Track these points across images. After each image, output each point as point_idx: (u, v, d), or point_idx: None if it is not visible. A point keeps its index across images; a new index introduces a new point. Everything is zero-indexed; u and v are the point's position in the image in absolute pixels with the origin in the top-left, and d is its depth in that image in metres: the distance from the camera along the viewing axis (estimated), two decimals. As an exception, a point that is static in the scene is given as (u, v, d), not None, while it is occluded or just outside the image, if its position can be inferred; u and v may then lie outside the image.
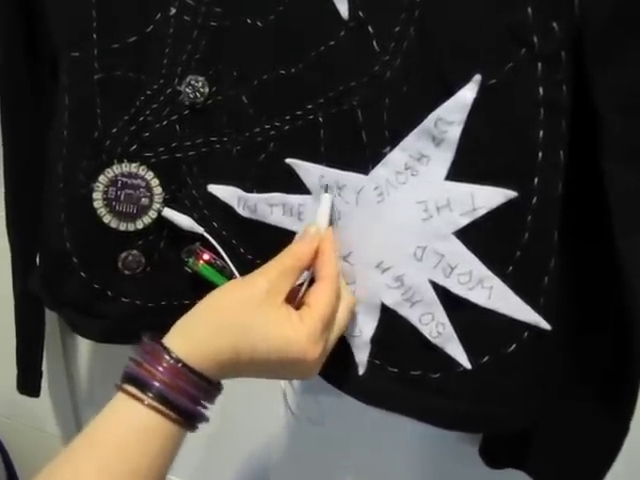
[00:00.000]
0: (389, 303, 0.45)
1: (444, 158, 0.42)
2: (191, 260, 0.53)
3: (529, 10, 0.38)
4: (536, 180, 0.40)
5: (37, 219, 0.56)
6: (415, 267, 0.44)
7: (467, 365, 0.44)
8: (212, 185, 0.52)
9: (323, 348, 0.42)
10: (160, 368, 0.39)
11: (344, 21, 0.44)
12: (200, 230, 0.52)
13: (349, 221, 0.47)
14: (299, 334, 0.41)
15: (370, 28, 0.43)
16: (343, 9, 0.44)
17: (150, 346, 0.41)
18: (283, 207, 0.50)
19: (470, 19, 0.39)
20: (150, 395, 0.39)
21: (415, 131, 0.42)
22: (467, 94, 0.40)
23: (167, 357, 0.40)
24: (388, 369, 0.47)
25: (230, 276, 0.53)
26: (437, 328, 0.44)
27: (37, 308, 0.66)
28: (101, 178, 0.51)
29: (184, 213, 0.52)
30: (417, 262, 0.44)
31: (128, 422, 0.39)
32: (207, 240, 0.52)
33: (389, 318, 0.46)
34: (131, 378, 0.40)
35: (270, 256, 0.48)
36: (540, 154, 0.39)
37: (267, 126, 0.48)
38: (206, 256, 0.53)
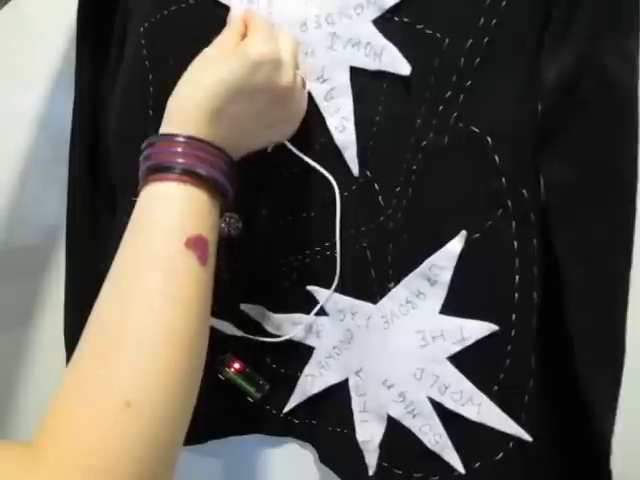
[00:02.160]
0: (394, 415, 0.56)
1: (438, 296, 0.53)
2: (224, 369, 0.64)
3: (503, 180, 0.50)
4: (514, 316, 0.51)
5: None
6: (415, 385, 0.54)
7: (461, 470, 0.54)
8: (243, 304, 0.63)
9: (276, 51, 0.49)
10: (176, 149, 0.45)
11: (355, 177, 0.56)
12: (240, 333, 0.63)
13: (360, 342, 0.58)
14: (246, 44, 0.48)
15: (376, 185, 0.55)
16: (354, 168, 0.56)
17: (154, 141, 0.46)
18: (304, 326, 0.61)
19: (456, 186, 0.51)
20: (177, 171, 0.44)
21: (414, 272, 0.54)
22: (455, 246, 0.52)
23: (167, 139, 0.45)
24: (394, 471, 0.57)
25: (257, 382, 0.64)
26: (435, 437, 0.54)
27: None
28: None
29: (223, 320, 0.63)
30: (417, 381, 0.54)
31: (168, 200, 0.44)
32: (237, 350, 0.64)
33: (395, 427, 0.56)
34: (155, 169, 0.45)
35: (291, 365, 0.60)
36: (516, 295, 0.50)
37: (291, 258, 0.60)
38: (236, 365, 0.64)
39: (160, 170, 0.44)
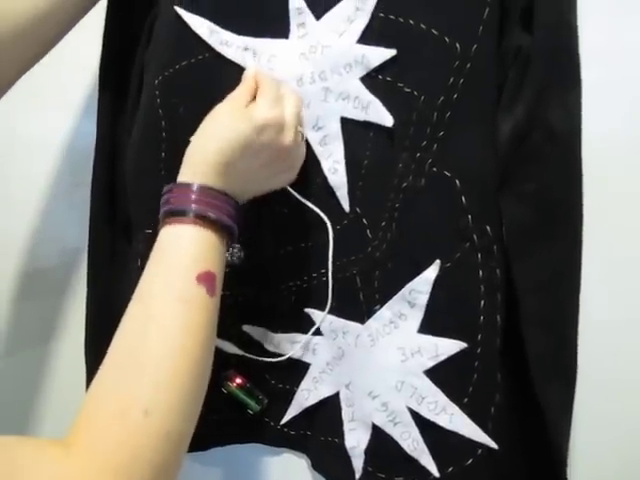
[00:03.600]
0: (378, 423, 0.66)
1: (416, 317, 0.63)
2: (226, 383, 0.74)
3: (470, 217, 0.61)
4: (479, 336, 0.61)
5: (109, 346, 0.78)
6: (396, 396, 0.65)
7: (436, 473, 0.64)
8: (246, 326, 0.74)
9: (280, 115, 0.58)
10: (190, 196, 0.54)
11: (346, 213, 0.67)
12: (240, 352, 0.74)
13: (350, 358, 0.68)
14: (255, 108, 0.57)
15: (364, 220, 0.66)
16: (346, 205, 0.67)
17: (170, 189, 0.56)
18: (301, 344, 0.71)
19: (431, 222, 0.62)
20: (191, 215, 0.53)
21: (396, 296, 0.64)
22: (431, 273, 0.62)
23: (183, 187, 0.55)
24: (378, 475, 0.67)
25: (257, 397, 0.74)
26: (413, 443, 0.64)
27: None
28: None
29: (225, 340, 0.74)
30: (397, 392, 0.65)
31: (182, 240, 0.54)
32: (239, 367, 0.74)
33: (378, 434, 0.66)
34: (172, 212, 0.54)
35: (288, 381, 0.71)
36: (482, 317, 0.61)
37: (290, 283, 0.71)
38: (238, 380, 0.74)
39: (176, 214, 0.54)
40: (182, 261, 0.53)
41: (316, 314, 0.70)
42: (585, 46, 0.58)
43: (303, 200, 0.67)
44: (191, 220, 0.54)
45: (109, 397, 0.47)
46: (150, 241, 0.70)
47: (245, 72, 0.65)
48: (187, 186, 0.55)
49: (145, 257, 0.72)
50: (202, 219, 0.54)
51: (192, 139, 0.58)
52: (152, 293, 0.52)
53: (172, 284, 0.52)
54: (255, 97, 0.60)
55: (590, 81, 0.59)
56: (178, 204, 0.55)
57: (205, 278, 0.53)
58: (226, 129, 0.56)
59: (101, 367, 0.50)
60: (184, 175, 0.57)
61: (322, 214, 0.67)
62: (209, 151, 0.56)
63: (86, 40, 0.73)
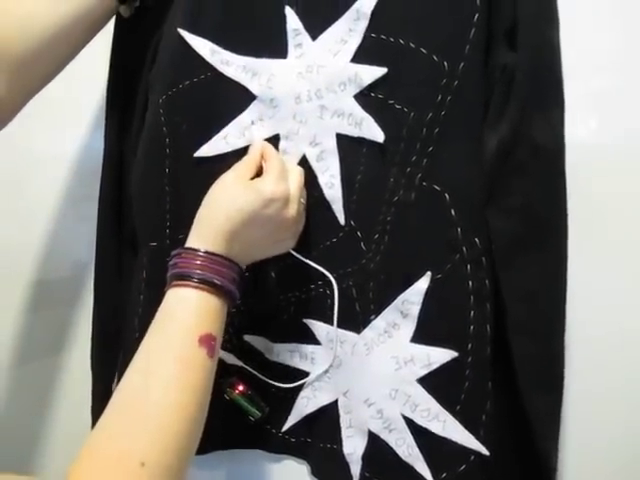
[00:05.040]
0: (374, 430, 0.69)
1: (409, 326, 0.66)
2: (229, 390, 0.78)
3: (459, 230, 0.64)
4: (470, 345, 0.64)
5: (116, 356, 0.82)
6: (390, 404, 0.68)
7: (430, 479, 0.67)
8: (247, 335, 0.77)
9: (286, 189, 0.64)
10: (196, 262, 0.59)
11: (342, 226, 0.70)
12: (240, 363, 0.77)
13: (347, 366, 0.71)
14: (263, 182, 0.63)
15: (358, 233, 0.69)
16: (341, 218, 0.70)
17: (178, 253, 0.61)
18: (299, 353, 0.75)
19: (422, 234, 0.65)
20: (196, 280, 0.58)
21: (390, 306, 0.67)
22: (422, 284, 0.65)
23: (191, 252, 0.59)
24: (374, 480, 0.70)
25: (258, 404, 0.78)
26: (408, 450, 0.67)
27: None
28: (166, 330, 0.77)
29: (227, 352, 0.78)
30: (392, 400, 0.68)
31: (187, 303, 0.57)
32: (242, 375, 0.78)
33: (374, 441, 0.69)
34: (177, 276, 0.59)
35: (288, 389, 0.74)
36: (471, 327, 0.64)
37: (289, 294, 0.75)
38: (240, 387, 0.77)
39: (183, 277, 0.58)
40: (186, 323, 0.57)
41: (315, 325, 0.73)
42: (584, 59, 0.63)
43: (305, 260, 0.71)
44: (196, 285, 0.58)
45: (110, 444, 0.51)
46: (154, 254, 0.76)
47: (252, 145, 0.70)
48: (194, 251, 0.60)
49: (149, 269, 0.77)
50: (206, 284, 0.58)
51: (201, 206, 0.63)
52: (155, 351, 0.57)
53: (174, 344, 0.56)
54: (259, 167, 0.66)
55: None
56: (184, 268, 0.59)
57: (206, 340, 0.57)
58: (235, 199, 0.61)
59: (105, 410, 0.54)
60: (192, 240, 0.61)
61: (325, 271, 0.71)
62: (218, 219, 0.60)
63: (96, 59, 0.77)
